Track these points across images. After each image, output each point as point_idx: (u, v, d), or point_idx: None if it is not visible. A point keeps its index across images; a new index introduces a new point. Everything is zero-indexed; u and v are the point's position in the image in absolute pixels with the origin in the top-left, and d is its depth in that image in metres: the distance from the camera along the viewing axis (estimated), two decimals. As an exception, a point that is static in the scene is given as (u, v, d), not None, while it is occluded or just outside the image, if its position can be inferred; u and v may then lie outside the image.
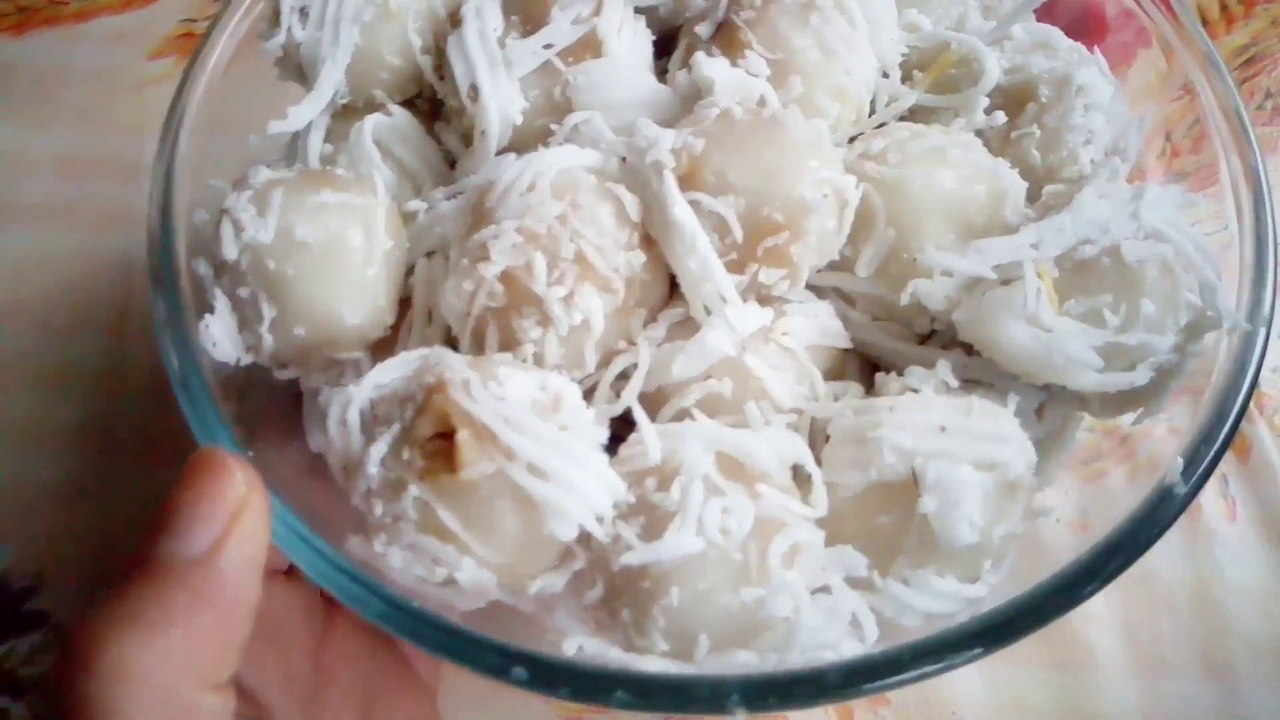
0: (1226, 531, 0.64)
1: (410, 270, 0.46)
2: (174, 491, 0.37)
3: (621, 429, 0.43)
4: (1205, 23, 0.82)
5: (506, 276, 0.41)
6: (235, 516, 0.37)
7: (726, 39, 0.47)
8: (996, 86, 0.49)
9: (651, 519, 0.38)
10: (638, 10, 0.51)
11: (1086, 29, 0.53)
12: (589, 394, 0.43)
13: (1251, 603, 0.62)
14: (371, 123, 0.48)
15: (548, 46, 0.47)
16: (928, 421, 0.40)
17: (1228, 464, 0.66)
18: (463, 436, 0.36)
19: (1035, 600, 0.39)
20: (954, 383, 0.43)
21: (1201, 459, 0.42)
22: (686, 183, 0.43)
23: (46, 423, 0.67)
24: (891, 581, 0.40)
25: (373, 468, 0.38)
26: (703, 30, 0.48)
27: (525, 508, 0.37)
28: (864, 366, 0.48)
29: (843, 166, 0.45)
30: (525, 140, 0.47)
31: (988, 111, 0.49)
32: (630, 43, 0.49)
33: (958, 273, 0.42)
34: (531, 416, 0.37)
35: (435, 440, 0.37)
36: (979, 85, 0.49)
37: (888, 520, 0.40)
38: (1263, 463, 0.66)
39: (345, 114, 0.50)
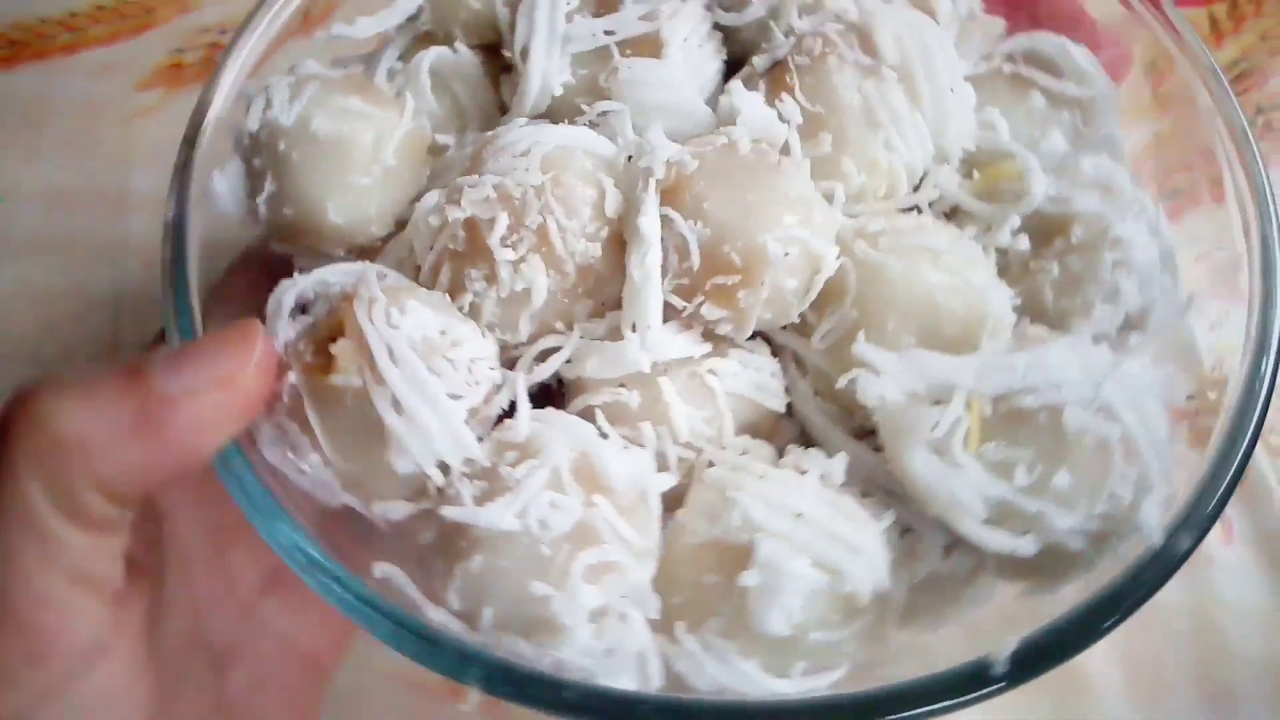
0: (1223, 554, 0.63)
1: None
2: (205, 338, 0.40)
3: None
4: None
5: (470, 224, 0.43)
6: (228, 382, 0.38)
7: (775, 77, 0.47)
8: (1036, 211, 0.46)
9: (491, 487, 0.40)
10: (722, 27, 0.51)
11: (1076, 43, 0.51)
12: (514, 364, 0.45)
13: (1250, 625, 0.62)
14: (434, 54, 0.51)
15: (609, 33, 0.48)
16: (788, 502, 0.39)
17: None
18: (340, 346, 0.39)
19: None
20: (838, 479, 0.42)
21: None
22: (667, 197, 0.43)
23: None
24: (691, 639, 0.39)
25: (277, 347, 0.41)
26: (759, 63, 0.48)
27: (375, 431, 0.39)
28: (802, 437, 0.48)
29: (831, 233, 0.44)
30: (561, 112, 0.49)
31: (1015, 233, 0.46)
32: (692, 54, 0.49)
33: (884, 375, 0.41)
34: (409, 351, 0.39)
35: (327, 343, 0.40)
36: (1019, 204, 0.47)
37: (713, 580, 0.40)
38: (1259, 485, 0.65)
39: (423, 41, 0.53)
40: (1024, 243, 0.46)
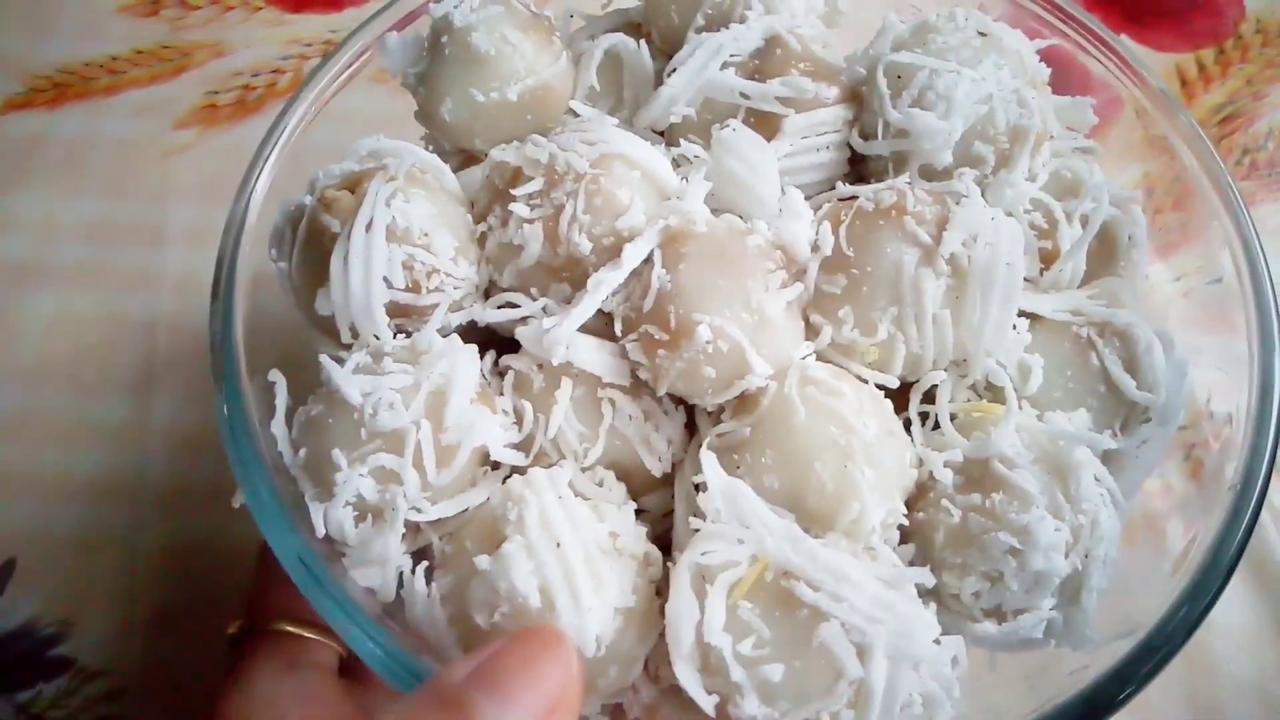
0: None
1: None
2: (508, 653, 0.36)
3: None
4: (1184, 83, 0.87)
5: (515, 172, 0.49)
6: (552, 713, 0.36)
7: (842, 205, 0.48)
8: (985, 461, 0.45)
9: (372, 367, 0.45)
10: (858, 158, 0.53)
11: (1070, 87, 0.54)
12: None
13: (1239, 647, 0.64)
14: (617, 39, 0.56)
15: (744, 95, 0.51)
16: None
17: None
18: (338, 195, 0.47)
19: None
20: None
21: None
22: (665, 242, 0.46)
23: (74, 475, 0.70)
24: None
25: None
26: (843, 189, 0.49)
27: (324, 270, 0.47)
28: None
29: (778, 355, 0.45)
30: (671, 136, 0.53)
31: (948, 465, 0.45)
32: (801, 153, 0.51)
33: (713, 492, 0.42)
34: (380, 228, 0.46)
35: (346, 189, 0.48)
36: (972, 445, 0.45)
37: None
38: None
39: (630, 30, 0.58)
40: (948, 477, 0.44)
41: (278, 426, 0.46)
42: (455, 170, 0.54)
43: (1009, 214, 0.50)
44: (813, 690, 0.38)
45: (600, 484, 0.47)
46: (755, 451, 0.44)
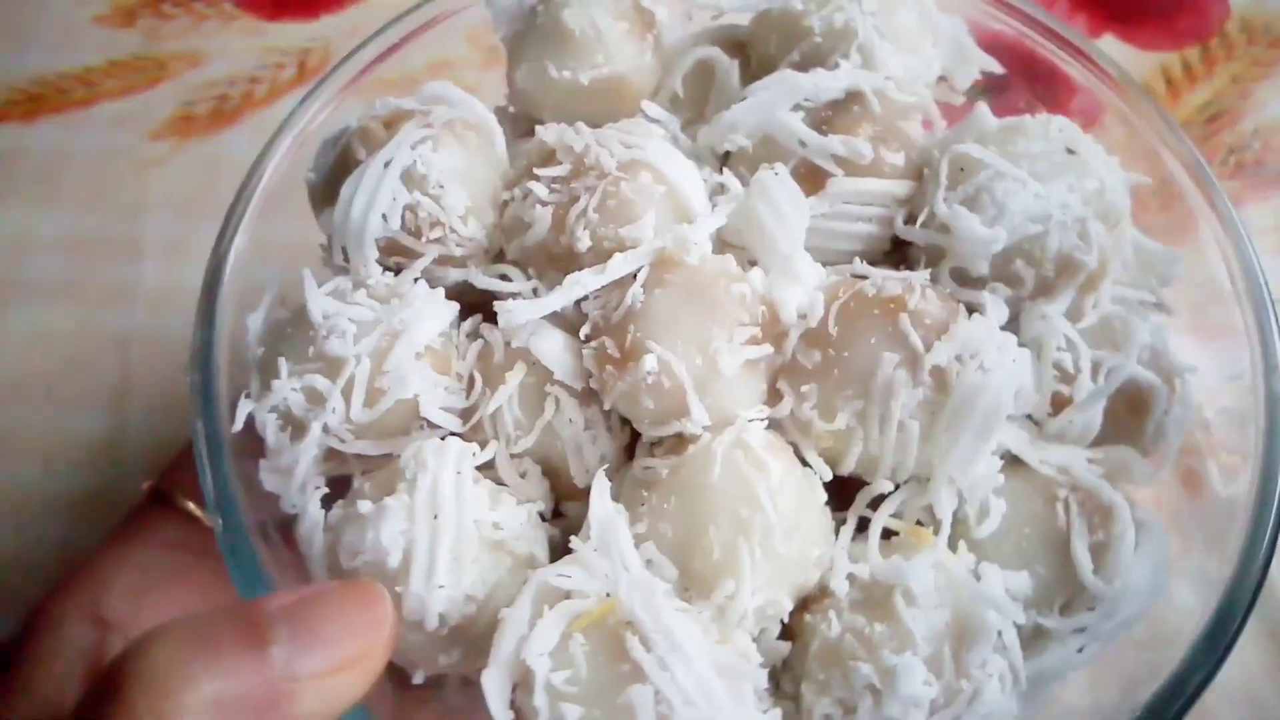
0: None
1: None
2: (326, 597, 0.37)
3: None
4: (1169, 81, 0.86)
5: (547, 151, 0.49)
6: (359, 661, 0.37)
7: (839, 287, 0.46)
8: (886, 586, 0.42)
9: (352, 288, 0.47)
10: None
11: (1054, 89, 0.55)
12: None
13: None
14: (710, 52, 0.55)
15: (802, 143, 0.49)
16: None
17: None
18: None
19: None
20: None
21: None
22: (655, 265, 0.45)
23: (48, 493, 0.69)
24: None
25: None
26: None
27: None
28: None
29: (717, 405, 0.44)
30: (733, 159, 0.52)
31: (848, 578, 0.42)
32: (839, 217, 0.49)
33: (595, 521, 0.41)
34: (398, 162, 0.47)
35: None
36: (887, 569, 0.42)
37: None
38: None
39: (732, 47, 0.57)
40: (844, 589, 0.42)
41: (254, 320, 0.48)
42: (522, 136, 0.55)
43: (1026, 344, 0.47)
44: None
45: (523, 475, 0.47)
46: (663, 495, 0.43)
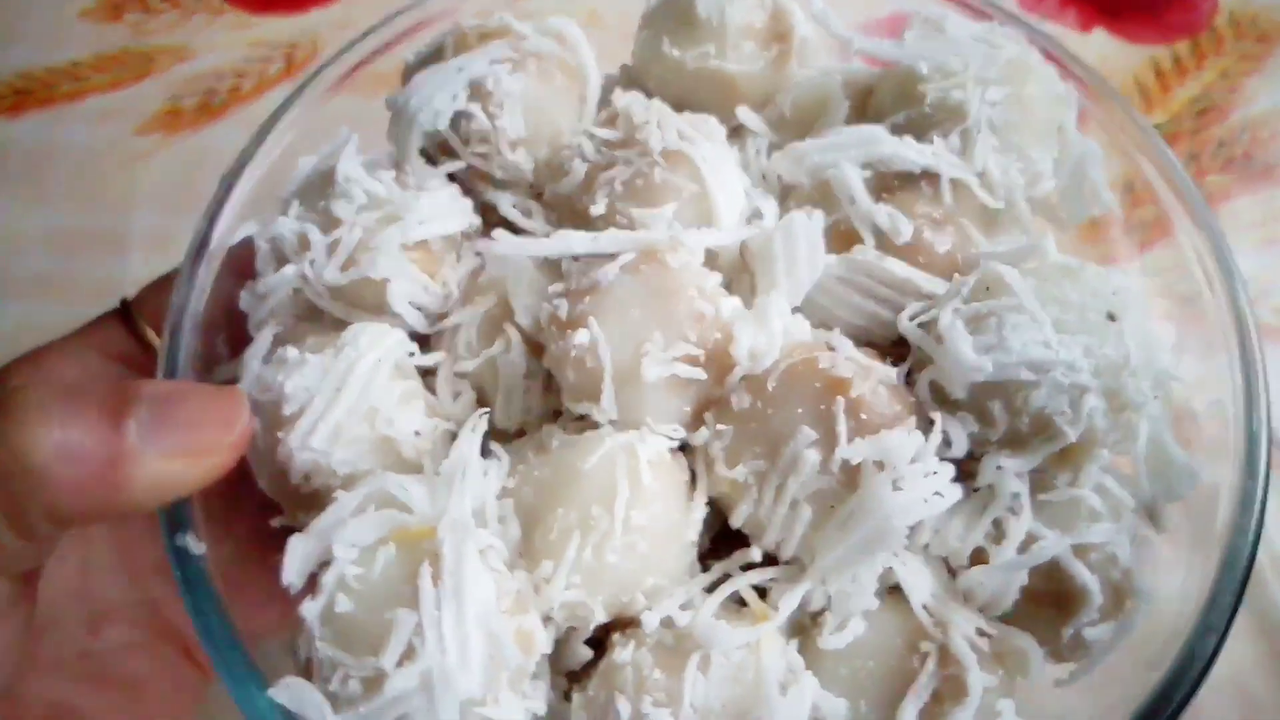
0: None
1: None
2: (191, 394, 0.41)
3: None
4: (1159, 75, 0.87)
5: (616, 112, 0.50)
6: (199, 456, 0.40)
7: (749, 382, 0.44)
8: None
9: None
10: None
11: None
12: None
13: None
14: (829, 85, 0.54)
15: (851, 200, 0.47)
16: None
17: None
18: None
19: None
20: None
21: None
22: (641, 255, 0.45)
23: None
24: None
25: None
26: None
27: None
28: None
29: (628, 413, 0.43)
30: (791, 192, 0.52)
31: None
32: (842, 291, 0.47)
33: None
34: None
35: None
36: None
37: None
38: None
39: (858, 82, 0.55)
40: (652, 623, 0.41)
41: (306, 161, 0.52)
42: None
43: (979, 489, 0.43)
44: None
45: (456, 396, 0.49)
46: (541, 462, 0.44)
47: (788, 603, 0.42)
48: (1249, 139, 0.84)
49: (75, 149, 0.84)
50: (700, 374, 0.44)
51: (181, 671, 0.52)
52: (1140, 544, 0.45)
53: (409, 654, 0.38)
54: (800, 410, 0.42)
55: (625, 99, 0.50)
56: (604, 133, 0.49)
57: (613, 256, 0.45)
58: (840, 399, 0.41)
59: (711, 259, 0.48)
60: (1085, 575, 0.42)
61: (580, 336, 0.43)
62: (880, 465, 0.41)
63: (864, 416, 0.41)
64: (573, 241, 0.46)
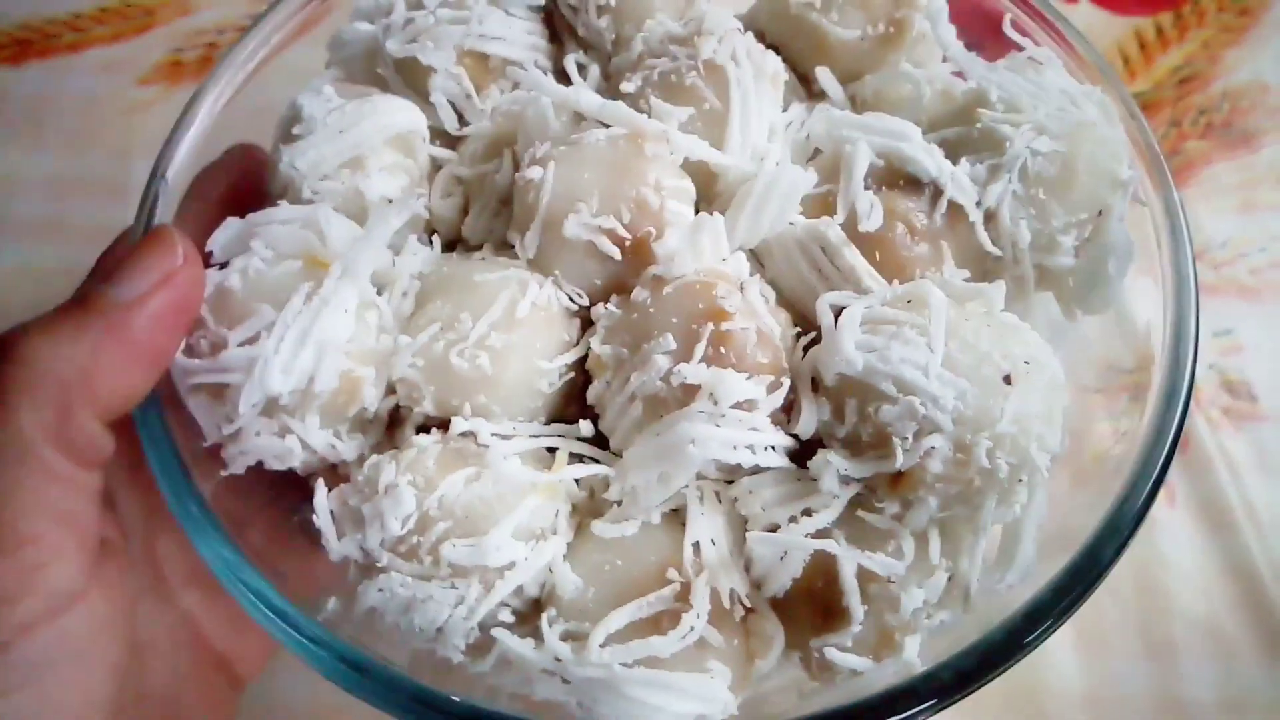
0: (1166, 517, 0.69)
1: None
2: (121, 247, 0.43)
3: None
4: (1142, 45, 0.91)
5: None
6: (167, 279, 0.42)
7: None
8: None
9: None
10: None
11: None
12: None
13: (1190, 584, 0.67)
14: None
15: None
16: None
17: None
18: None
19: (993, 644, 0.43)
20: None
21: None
22: (630, 134, 0.48)
23: None
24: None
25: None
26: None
27: None
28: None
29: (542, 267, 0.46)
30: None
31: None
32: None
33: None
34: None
35: None
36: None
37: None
38: (1200, 453, 0.71)
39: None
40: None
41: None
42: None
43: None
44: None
45: (448, 195, 0.53)
46: (455, 262, 0.48)
47: (575, 470, 0.44)
48: (1229, 108, 0.87)
49: (76, 98, 0.86)
50: (615, 252, 0.46)
51: (217, 687, 0.53)
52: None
53: (253, 340, 0.43)
54: (675, 320, 0.43)
55: (708, 6, 0.52)
56: (673, 26, 0.52)
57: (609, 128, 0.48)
58: (710, 325, 0.43)
59: (713, 179, 0.50)
60: (855, 597, 0.42)
61: (533, 172, 0.46)
62: (714, 399, 0.42)
63: (723, 350, 0.42)
64: (582, 100, 0.49)
